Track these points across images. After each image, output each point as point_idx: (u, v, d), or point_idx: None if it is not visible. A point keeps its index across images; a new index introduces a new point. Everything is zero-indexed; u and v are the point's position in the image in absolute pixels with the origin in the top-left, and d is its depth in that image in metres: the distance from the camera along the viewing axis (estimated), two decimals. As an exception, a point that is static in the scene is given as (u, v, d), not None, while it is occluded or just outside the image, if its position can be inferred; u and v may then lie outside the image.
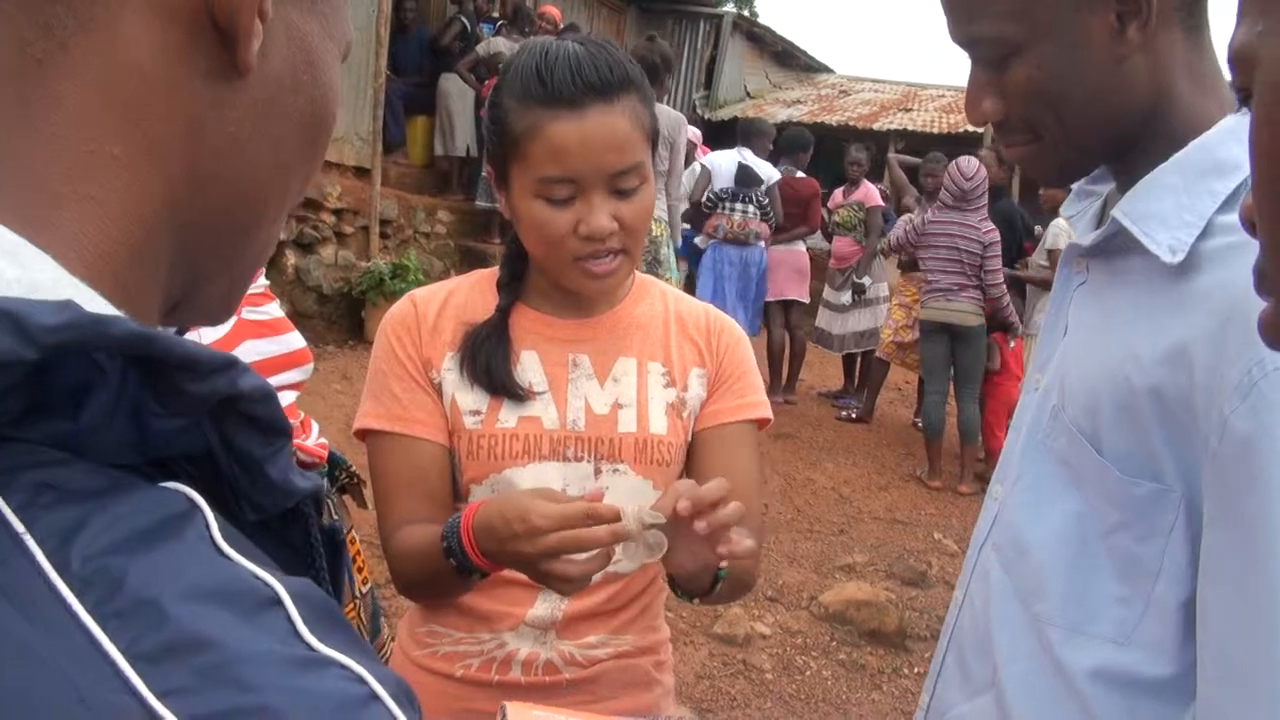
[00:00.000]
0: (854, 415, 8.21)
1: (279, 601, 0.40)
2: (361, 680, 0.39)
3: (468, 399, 1.42)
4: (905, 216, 6.97)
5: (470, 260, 8.56)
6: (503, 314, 1.45)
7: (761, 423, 1.53)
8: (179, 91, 0.46)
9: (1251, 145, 0.50)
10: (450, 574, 1.28)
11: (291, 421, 1.83)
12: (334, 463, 2.00)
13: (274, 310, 1.89)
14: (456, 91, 9.21)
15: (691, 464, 1.48)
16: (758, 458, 1.53)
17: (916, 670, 4.23)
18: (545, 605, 1.44)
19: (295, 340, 1.90)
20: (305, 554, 0.49)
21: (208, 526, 0.41)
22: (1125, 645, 1.06)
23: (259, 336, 1.81)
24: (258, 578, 0.40)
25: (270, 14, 0.48)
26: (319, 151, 0.55)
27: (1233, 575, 0.97)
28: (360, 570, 2.00)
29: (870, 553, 5.49)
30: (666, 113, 6.16)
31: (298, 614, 0.40)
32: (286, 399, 1.84)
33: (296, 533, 0.48)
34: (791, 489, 6.36)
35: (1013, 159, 1.17)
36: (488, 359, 1.41)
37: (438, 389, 1.44)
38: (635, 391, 1.45)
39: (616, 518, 1.17)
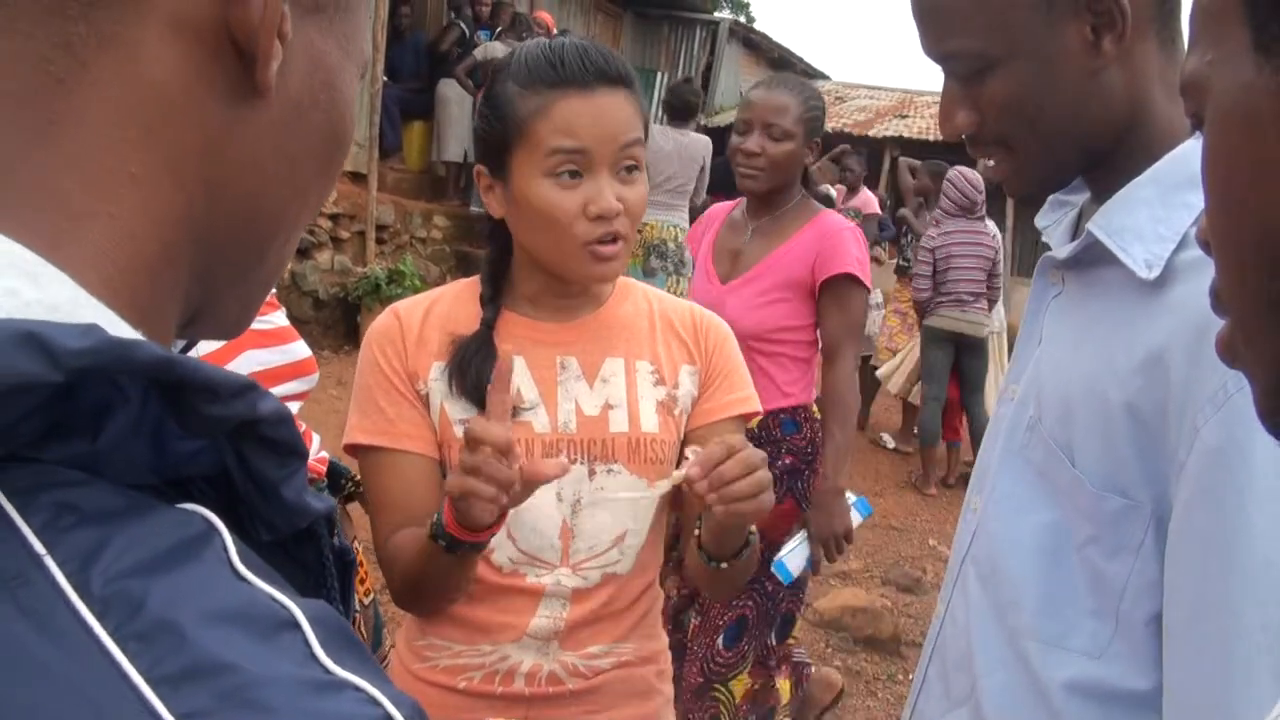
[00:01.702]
0: None
1: (296, 624, 0.40)
2: (376, 702, 0.39)
3: (456, 407, 1.42)
4: (927, 233, 6.85)
5: (467, 265, 8.57)
6: (488, 326, 1.45)
7: (749, 416, 1.55)
8: (198, 110, 0.47)
9: (1204, 171, 0.51)
10: (438, 560, 1.27)
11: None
12: (336, 472, 1.99)
13: (279, 319, 1.87)
14: (454, 97, 9.21)
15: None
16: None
17: (912, 677, 4.22)
18: (547, 617, 1.43)
19: (300, 350, 1.87)
20: (317, 574, 0.49)
21: (225, 549, 0.41)
22: (1100, 659, 1.06)
23: (261, 346, 1.79)
24: (275, 600, 0.40)
25: (290, 35, 0.48)
26: (335, 169, 0.56)
27: (1191, 594, 0.97)
28: (363, 581, 1.99)
29: (866, 559, 5.49)
30: (698, 138, 7.26)
31: (314, 637, 0.40)
32: (292, 409, 1.84)
33: (309, 552, 0.49)
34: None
35: (988, 175, 1.17)
36: (477, 373, 1.40)
37: (425, 400, 1.44)
38: (625, 391, 1.45)
39: (516, 449, 1.17)
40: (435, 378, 1.43)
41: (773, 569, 2.69)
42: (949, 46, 1.07)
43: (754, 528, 1.34)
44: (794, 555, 2.72)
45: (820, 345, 2.86)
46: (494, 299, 1.47)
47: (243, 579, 0.40)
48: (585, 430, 1.42)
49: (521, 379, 1.43)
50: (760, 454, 1.23)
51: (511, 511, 1.26)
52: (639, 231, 1.60)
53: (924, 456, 6.92)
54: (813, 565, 2.82)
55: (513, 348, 1.41)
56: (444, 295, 1.51)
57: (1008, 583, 1.13)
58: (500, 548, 1.41)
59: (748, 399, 1.52)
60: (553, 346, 1.45)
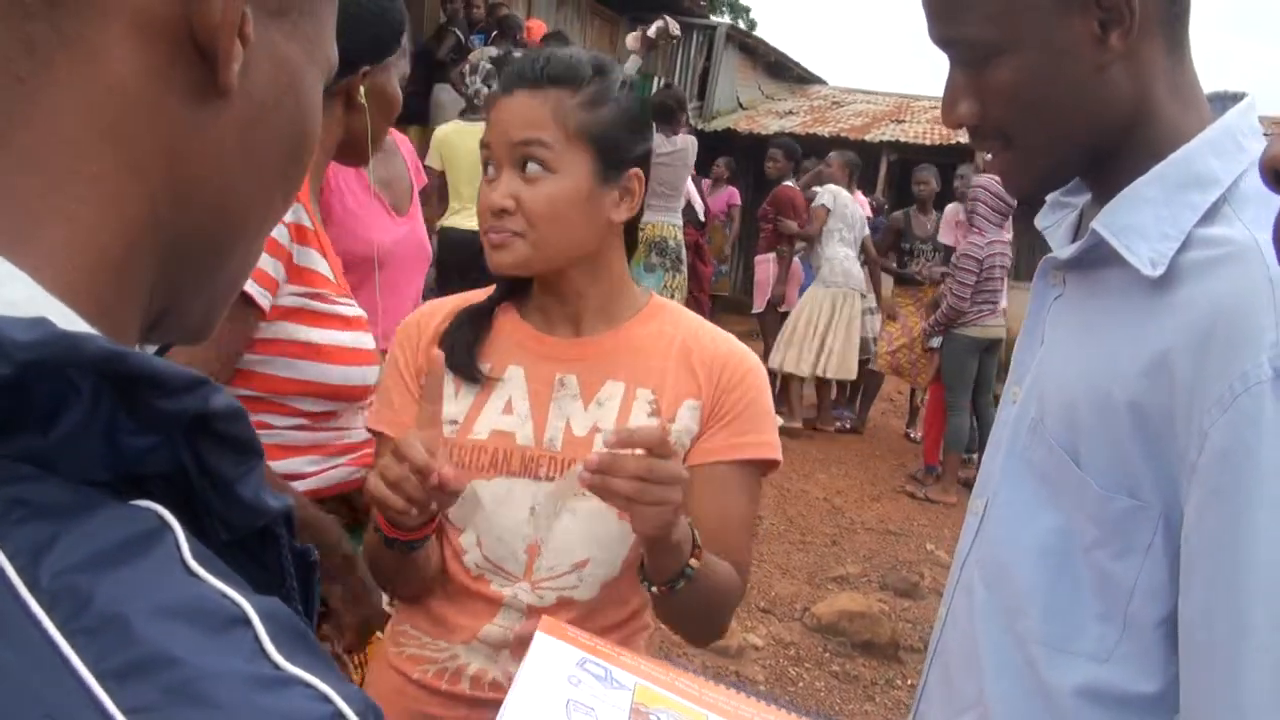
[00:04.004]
0: (847, 425, 8.21)
1: (246, 620, 0.40)
2: (327, 699, 0.39)
3: (450, 407, 1.44)
4: (970, 240, 6.79)
5: (445, 273, 8.54)
6: (491, 304, 1.49)
7: (765, 465, 1.46)
8: (160, 111, 0.47)
9: None
10: (383, 553, 1.37)
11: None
12: (349, 502, 1.94)
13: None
14: (449, 101, 9.24)
15: None
16: (749, 500, 1.46)
17: (909, 681, 4.23)
18: (500, 625, 1.43)
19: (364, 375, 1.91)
20: (277, 574, 0.49)
21: (178, 545, 0.41)
22: (1107, 662, 1.06)
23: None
24: (226, 596, 0.40)
25: (252, 36, 0.48)
26: (300, 172, 0.56)
27: (1202, 596, 0.97)
28: None
29: (863, 564, 5.49)
30: (685, 140, 7.30)
31: (265, 633, 0.40)
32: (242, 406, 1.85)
33: (269, 553, 0.48)
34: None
35: (991, 169, 1.17)
36: (454, 337, 1.46)
37: None
38: (616, 417, 1.42)
39: (436, 474, 1.20)
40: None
41: None
42: (956, 31, 1.07)
43: (695, 563, 1.29)
44: None
45: None
46: (508, 287, 1.50)
47: (194, 574, 0.40)
48: (569, 450, 1.41)
49: (515, 390, 1.44)
50: (675, 472, 1.20)
51: (484, 518, 1.31)
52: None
53: (948, 464, 6.86)
54: None
55: (517, 357, 1.45)
56: (472, 295, 1.55)
57: (1013, 587, 1.13)
58: (471, 551, 1.43)
59: (759, 445, 1.44)
60: (555, 362, 1.45)
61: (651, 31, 7.18)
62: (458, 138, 5.82)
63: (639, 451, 1.19)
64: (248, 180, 0.52)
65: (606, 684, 0.91)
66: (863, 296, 7.86)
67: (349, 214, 2.54)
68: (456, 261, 5.82)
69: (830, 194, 7.72)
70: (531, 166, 1.36)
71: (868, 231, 8.08)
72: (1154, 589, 1.03)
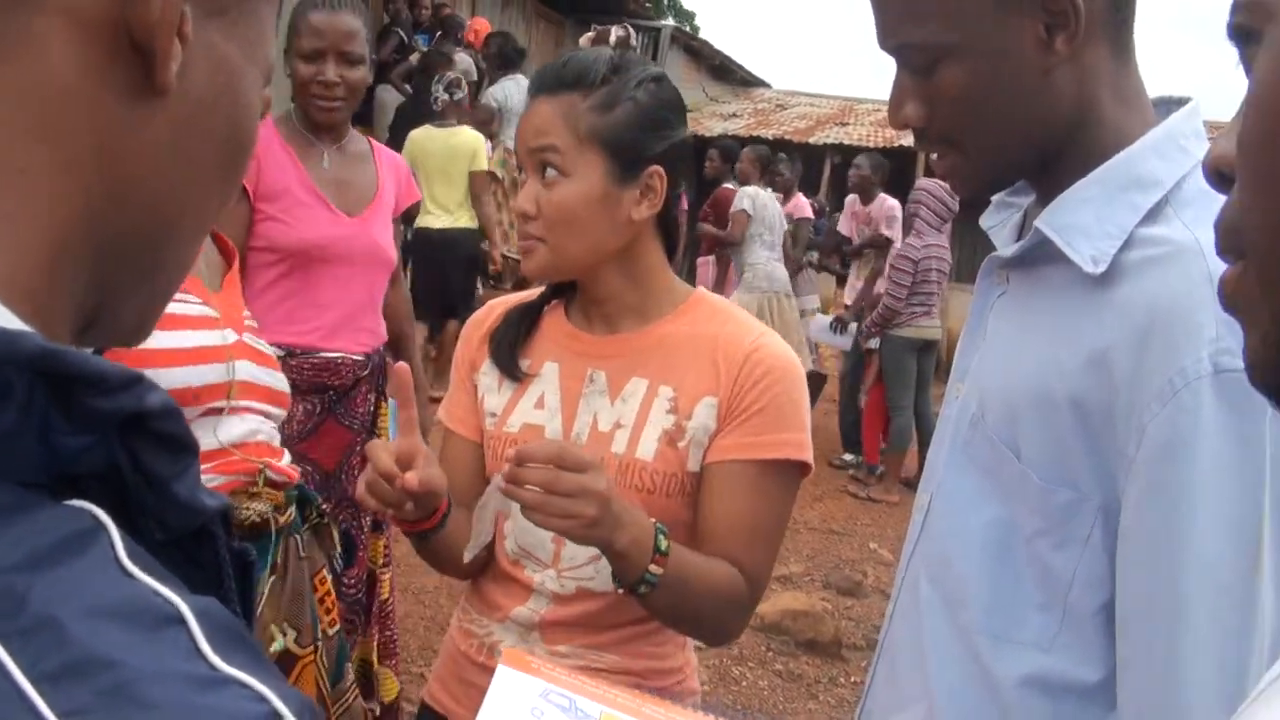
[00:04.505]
0: None
1: (181, 620, 0.39)
2: (263, 699, 0.39)
3: (492, 401, 1.54)
4: (908, 242, 6.87)
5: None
6: (540, 302, 1.57)
7: (792, 466, 1.44)
8: (96, 109, 0.46)
9: (1255, 96, 0.49)
10: (413, 538, 1.44)
11: (274, 441, 1.84)
12: (305, 498, 1.94)
13: (267, 347, 1.92)
14: (392, 101, 9.18)
15: (698, 498, 1.45)
16: (769, 502, 1.44)
17: (853, 679, 4.26)
18: (530, 609, 1.49)
19: (283, 381, 1.93)
20: (215, 574, 0.48)
21: (113, 545, 0.40)
22: (1049, 651, 1.07)
23: (255, 362, 1.83)
24: (160, 596, 0.40)
25: (190, 35, 0.47)
26: (238, 172, 0.55)
27: (1140, 589, 0.99)
28: (330, 611, 1.95)
29: (806, 563, 5.52)
30: None
31: (200, 632, 0.39)
32: (271, 424, 1.86)
33: (206, 552, 0.48)
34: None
35: (937, 171, 1.19)
36: (500, 335, 1.54)
37: (476, 389, 1.57)
38: (635, 414, 1.45)
39: (402, 478, 1.28)
40: (485, 371, 1.56)
41: None
42: (906, 37, 1.08)
43: (657, 569, 1.30)
44: None
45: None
46: (556, 288, 1.57)
47: (129, 574, 0.40)
48: (593, 445, 1.45)
49: (548, 386, 1.51)
50: (582, 484, 1.22)
51: (518, 507, 1.32)
52: None
53: (891, 462, 6.96)
54: None
55: (555, 354, 1.51)
56: (531, 294, 1.61)
57: (957, 580, 1.14)
58: (509, 537, 1.52)
59: (779, 444, 1.42)
60: (588, 359, 1.50)
61: (612, 40, 7.20)
62: (429, 142, 6.42)
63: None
64: (184, 180, 0.51)
65: (570, 714, 0.91)
66: (788, 297, 7.78)
67: (282, 210, 2.59)
68: (424, 258, 6.62)
69: (749, 197, 7.63)
70: (549, 172, 1.40)
71: (787, 226, 8.10)
72: (1092, 579, 1.04)
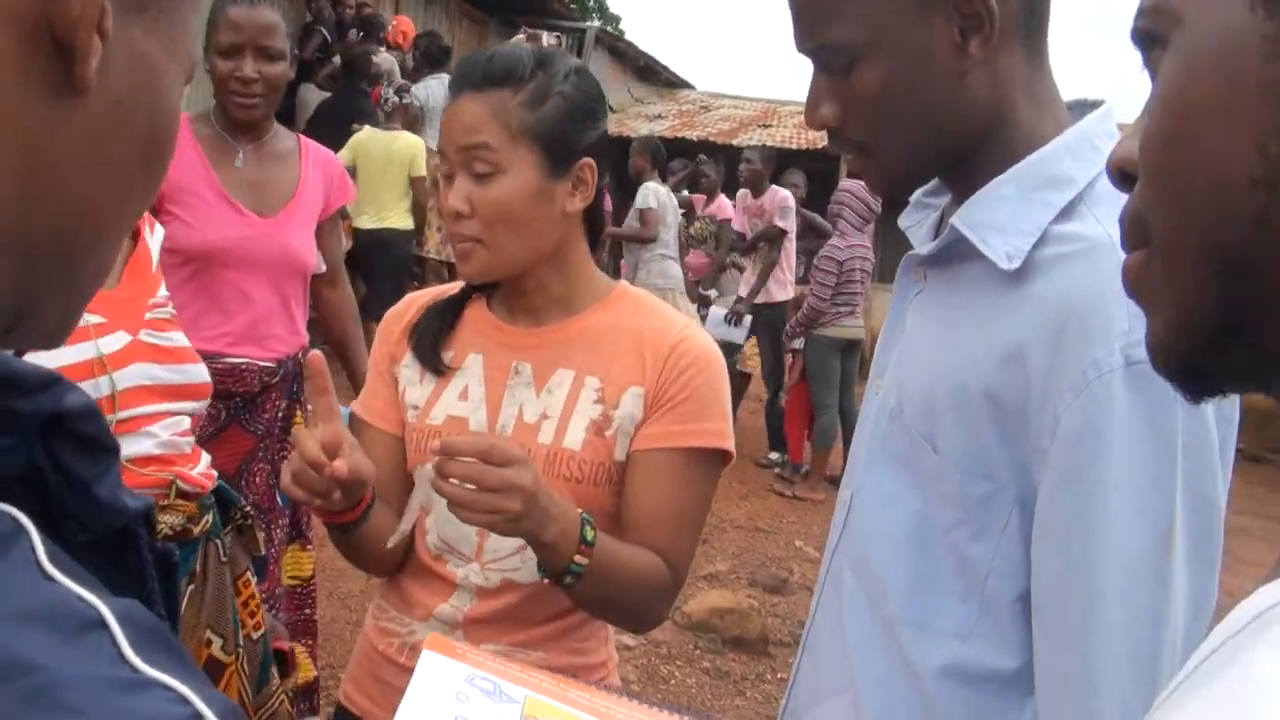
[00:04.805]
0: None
1: (104, 624, 0.39)
2: (186, 701, 0.39)
3: (413, 393, 1.53)
4: (831, 243, 6.92)
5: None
6: (461, 296, 1.56)
7: (714, 455, 1.47)
8: (14, 107, 0.45)
9: (1158, 99, 0.51)
10: (333, 533, 1.43)
11: (185, 444, 1.77)
12: (227, 500, 1.89)
13: (180, 339, 1.82)
14: (314, 100, 9.06)
15: (623, 487, 1.47)
16: (692, 490, 1.46)
17: (779, 675, 4.30)
18: (453, 606, 1.49)
19: (196, 372, 1.84)
20: (138, 575, 0.48)
21: (33, 548, 0.40)
22: (969, 640, 1.09)
23: (153, 360, 1.75)
24: (83, 600, 0.39)
25: (111, 32, 0.47)
26: (159, 172, 0.54)
27: (1055, 576, 1.02)
28: (254, 615, 1.91)
29: (732, 561, 5.56)
30: None
31: (123, 636, 0.39)
32: (179, 425, 1.78)
33: (128, 554, 0.48)
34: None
35: (853, 171, 1.20)
36: (423, 330, 1.53)
37: (397, 382, 1.56)
38: (563, 404, 1.46)
39: (330, 465, 1.26)
40: (406, 364, 1.55)
41: None
42: (823, 37, 1.09)
43: (582, 560, 1.31)
44: None
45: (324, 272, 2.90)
46: (477, 286, 1.55)
47: (50, 579, 0.40)
48: (518, 436, 1.45)
49: (472, 378, 1.50)
50: (507, 479, 1.22)
51: (438, 500, 1.33)
52: None
53: (816, 461, 7.03)
54: None
55: (479, 345, 1.51)
56: (452, 287, 1.60)
57: (877, 571, 1.16)
58: (431, 532, 1.50)
59: (703, 433, 1.44)
60: (513, 351, 1.50)
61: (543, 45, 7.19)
62: (370, 144, 6.71)
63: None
64: (104, 181, 0.50)
65: (495, 699, 0.91)
66: (683, 295, 7.71)
67: (187, 210, 2.53)
68: (362, 259, 6.72)
69: (652, 194, 7.59)
70: (480, 168, 1.39)
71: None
72: (1009, 569, 1.06)
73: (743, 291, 7.80)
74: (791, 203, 7.66)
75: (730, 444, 1.47)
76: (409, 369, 1.54)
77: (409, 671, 1.47)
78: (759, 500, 6.75)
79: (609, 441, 1.45)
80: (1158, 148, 0.51)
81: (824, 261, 6.82)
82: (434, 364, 1.51)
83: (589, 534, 1.32)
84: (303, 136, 2.90)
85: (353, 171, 6.06)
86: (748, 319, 7.50)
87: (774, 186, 7.80)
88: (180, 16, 0.53)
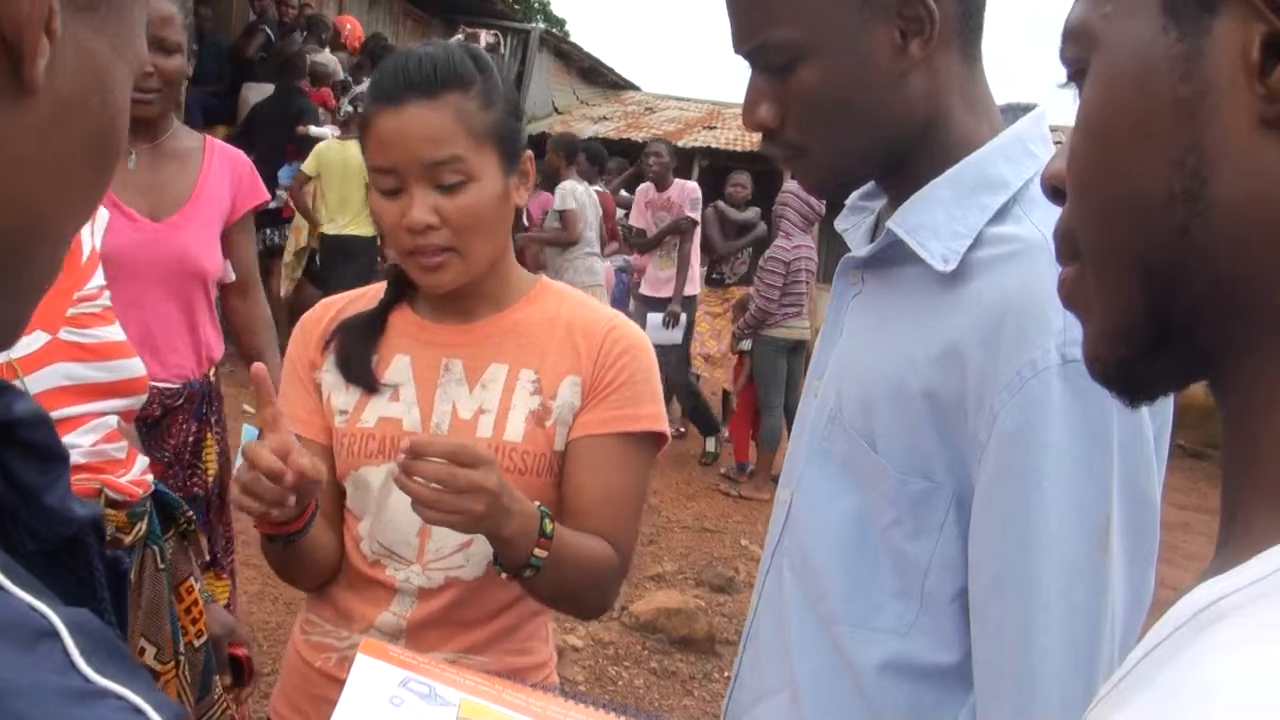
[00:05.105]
0: (682, 431, 8.26)
1: (55, 633, 0.39)
2: (138, 711, 0.39)
3: (339, 398, 1.49)
4: (777, 244, 6.95)
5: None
6: (383, 308, 1.52)
7: (651, 438, 1.49)
8: None
9: (1082, 118, 0.53)
10: (271, 547, 1.39)
11: (115, 452, 1.68)
12: (169, 505, 1.84)
13: (108, 334, 1.71)
14: (258, 100, 8.96)
15: (563, 475, 1.48)
16: (633, 474, 1.49)
17: (726, 674, 4.32)
18: (394, 614, 1.46)
19: (130, 367, 1.72)
20: (89, 584, 0.48)
21: None
22: (906, 636, 1.11)
23: (76, 360, 1.64)
24: (34, 609, 0.39)
25: (59, 32, 0.46)
26: (107, 171, 0.54)
27: (993, 569, 1.03)
28: (196, 622, 1.86)
29: (679, 561, 5.58)
30: None
31: (74, 645, 0.39)
32: (108, 425, 1.69)
33: (79, 562, 0.47)
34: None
35: (789, 172, 1.21)
36: (350, 350, 1.49)
37: (319, 388, 1.52)
38: (499, 398, 1.45)
39: (288, 472, 1.23)
40: (327, 368, 1.52)
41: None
42: (763, 36, 1.09)
43: (542, 552, 1.32)
44: None
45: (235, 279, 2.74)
46: (396, 291, 1.52)
47: (1, 589, 0.39)
48: (456, 433, 1.44)
49: (402, 376, 1.48)
50: (474, 480, 1.23)
51: (376, 504, 1.35)
52: None
53: (762, 461, 7.05)
54: None
55: (404, 346, 1.49)
56: (368, 292, 1.58)
57: (816, 570, 1.17)
58: (366, 538, 1.47)
59: (640, 418, 1.47)
60: (441, 348, 1.48)
61: (481, 45, 7.16)
62: (329, 153, 7.17)
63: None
64: (53, 180, 0.50)
65: (430, 701, 0.91)
66: (607, 292, 7.65)
67: None
68: (328, 265, 7.25)
69: (569, 194, 7.51)
70: (450, 179, 1.36)
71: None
72: (948, 565, 1.08)
73: (664, 292, 7.61)
74: (700, 194, 7.62)
75: (666, 427, 1.50)
76: (331, 374, 1.51)
77: None
78: (706, 500, 6.77)
79: (549, 432, 1.46)
80: (1081, 166, 0.53)
81: (770, 263, 6.85)
82: (371, 384, 1.48)
83: (548, 527, 1.33)
84: (209, 136, 2.76)
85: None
86: (684, 318, 7.46)
87: (679, 180, 7.73)
88: (127, 15, 0.52)
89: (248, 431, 2.58)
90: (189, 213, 2.55)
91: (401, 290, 1.53)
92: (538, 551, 1.32)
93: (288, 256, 7.96)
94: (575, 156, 7.99)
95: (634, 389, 1.47)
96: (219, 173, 2.64)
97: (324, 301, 1.61)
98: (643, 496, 1.54)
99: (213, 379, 2.69)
